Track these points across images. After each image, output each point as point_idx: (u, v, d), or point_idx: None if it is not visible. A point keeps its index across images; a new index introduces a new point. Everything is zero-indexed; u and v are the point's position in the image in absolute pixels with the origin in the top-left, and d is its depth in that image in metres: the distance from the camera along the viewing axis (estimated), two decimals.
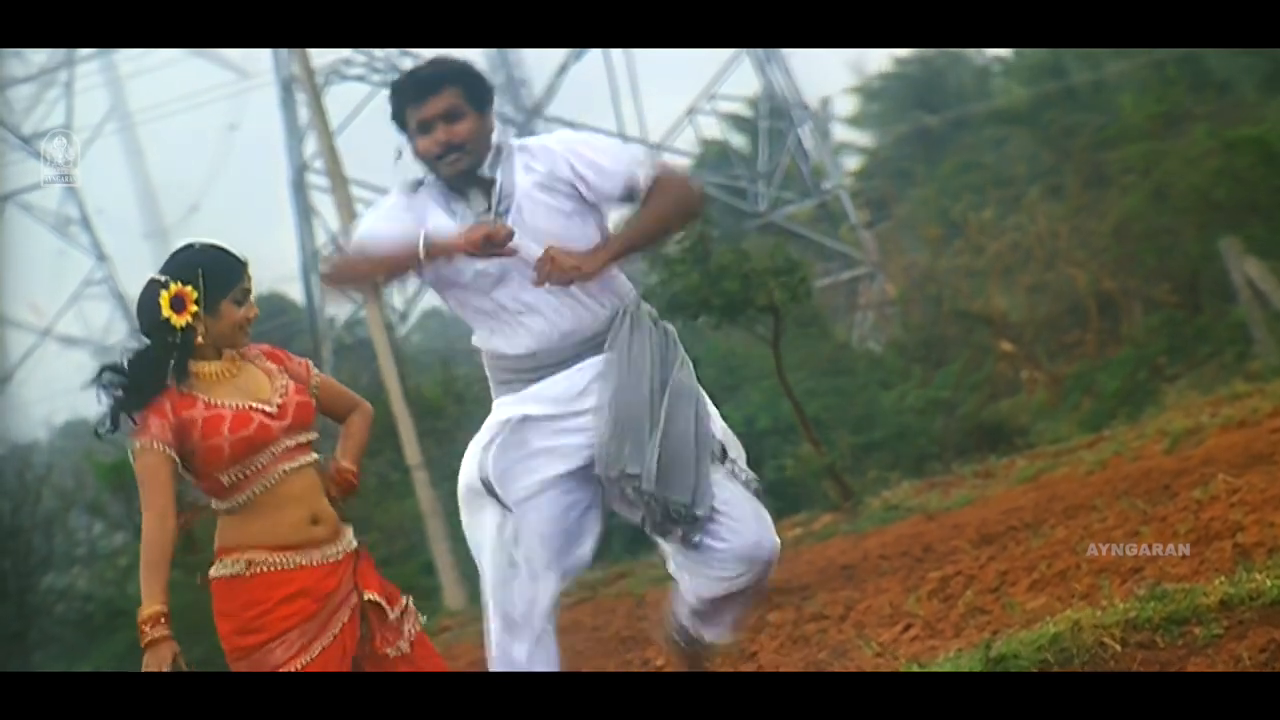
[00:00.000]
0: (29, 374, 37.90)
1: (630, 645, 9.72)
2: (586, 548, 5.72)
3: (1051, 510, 10.25)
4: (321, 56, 29.35)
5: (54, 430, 32.52)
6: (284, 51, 31.47)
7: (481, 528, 5.68)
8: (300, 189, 34.47)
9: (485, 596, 5.72)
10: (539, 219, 5.51)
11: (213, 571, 5.02)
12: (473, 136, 5.53)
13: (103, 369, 5.06)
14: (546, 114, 36.00)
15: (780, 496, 15.51)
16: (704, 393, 5.70)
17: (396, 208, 5.63)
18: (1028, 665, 5.93)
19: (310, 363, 5.37)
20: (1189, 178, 23.20)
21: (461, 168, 5.53)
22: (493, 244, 5.30)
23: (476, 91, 5.59)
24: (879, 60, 43.88)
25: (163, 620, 4.81)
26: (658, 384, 5.54)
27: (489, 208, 5.55)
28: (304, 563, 5.00)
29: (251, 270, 5.14)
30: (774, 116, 36.28)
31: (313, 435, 5.15)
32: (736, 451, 5.70)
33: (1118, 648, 5.89)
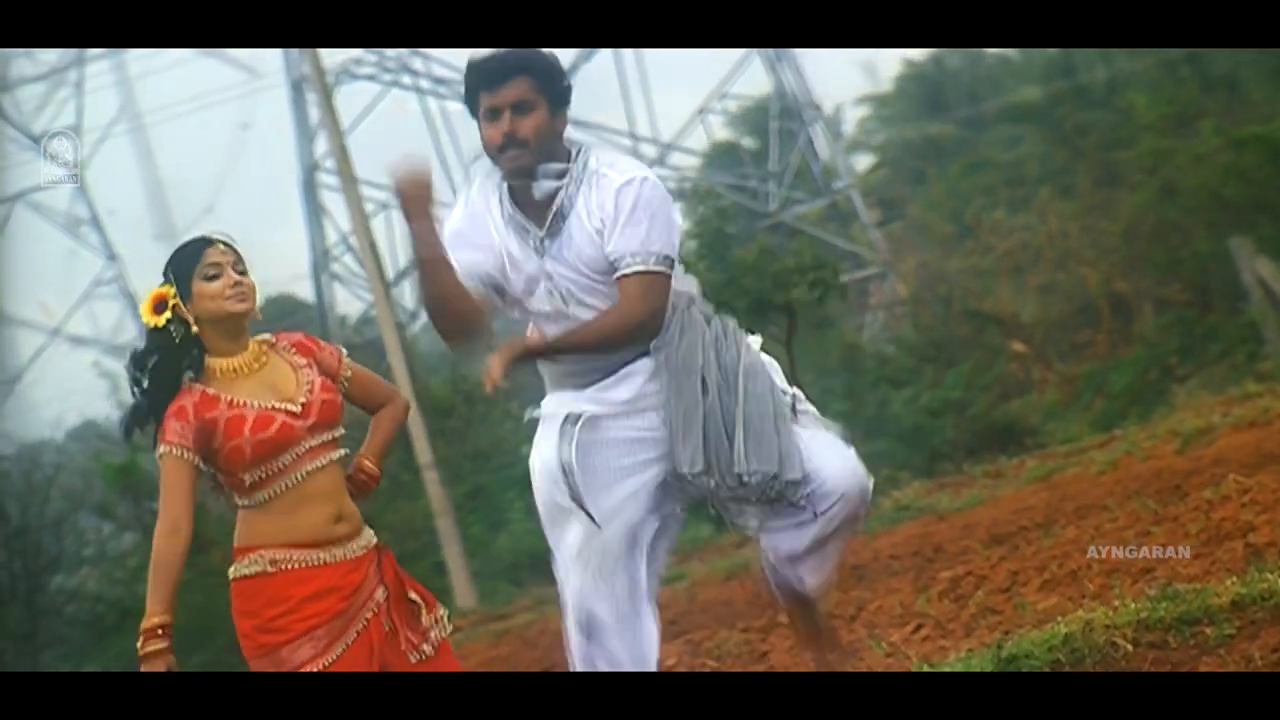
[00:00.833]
0: (39, 374, 37.93)
1: None
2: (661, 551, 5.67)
3: (1062, 510, 10.23)
4: (332, 56, 29.37)
5: (63, 431, 32.54)
6: (295, 51, 31.49)
7: (564, 540, 5.60)
8: (311, 189, 34.54)
9: (567, 611, 5.62)
10: (586, 247, 5.43)
11: (233, 571, 4.99)
12: (537, 133, 5.36)
13: (132, 381, 5.07)
14: None
15: None
16: (767, 359, 5.64)
17: (460, 235, 5.55)
18: (1039, 665, 5.92)
19: (343, 352, 5.28)
20: (1198, 177, 23.18)
21: (521, 164, 5.38)
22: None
23: (552, 86, 5.44)
24: (890, 62, 43.88)
25: (162, 632, 4.79)
26: (714, 379, 5.47)
27: (543, 224, 5.47)
28: (327, 560, 4.97)
29: (231, 244, 5.10)
30: (785, 116, 36.27)
31: (339, 432, 5.11)
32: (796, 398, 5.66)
33: (1129, 648, 5.88)
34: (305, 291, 36.61)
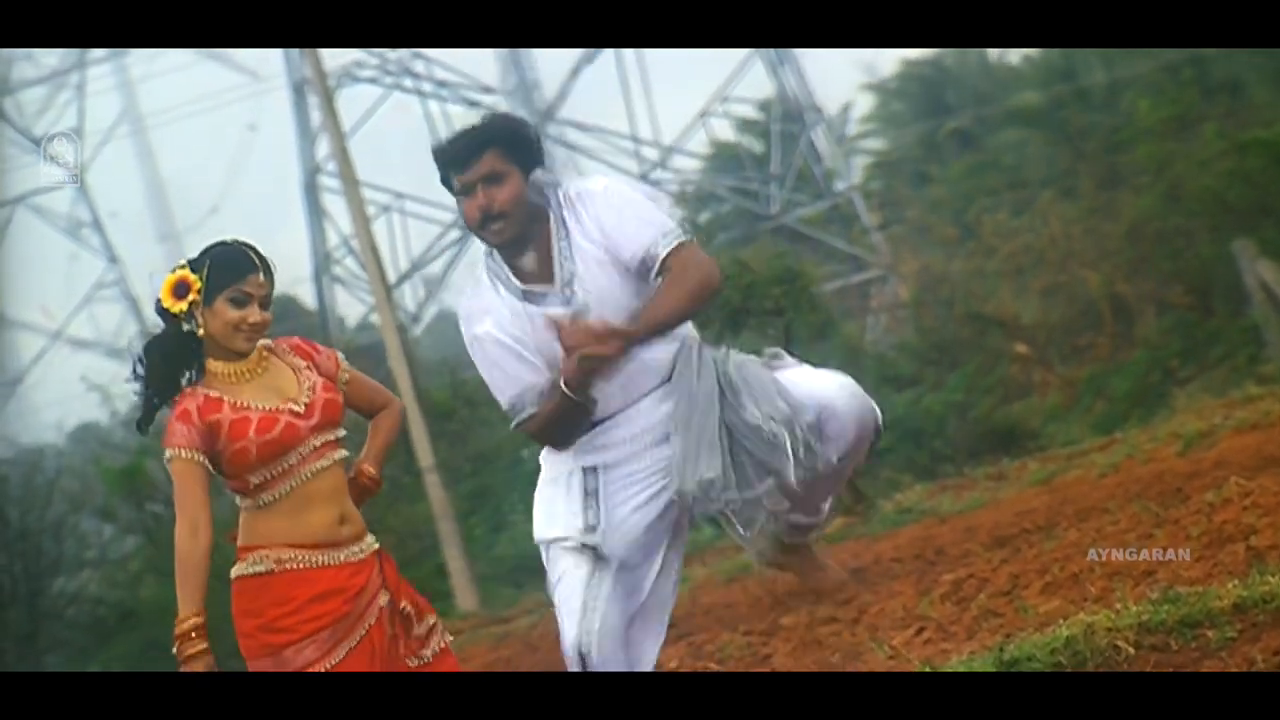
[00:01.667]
0: (40, 377, 37.93)
1: None
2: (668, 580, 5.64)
3: (1064, 513, 10.20)
4: (334, 59, 29.37)
5: (64, 434, 32.53)
6: (296, 54, 31.49)
7: (569, 580, 5.53)
8: (312, 191, 34.53)
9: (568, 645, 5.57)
10: (599, 279, 5.38)
11: (236, 570, 5.00)
12: (514, 202, 5.34)
13: (135, 362, 5.06)
14: (559, 116, 35.98)
15: None
16: (757, 368, 5.61)
17: (483, 343, 5.52)
18: (1041, 668, 5.91)
19: (340, 355, 5.30)
20: (1201, 180, 23.17)
21: (506, 237, 5.36)
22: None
23: (520, 150, 5.41)
24: (891, 64, 43.84)
25: (198, 634, 4.81)
26: (727, 408, 5.42)
27: (552, 277, 5.42)
28: (331, 561, 4.98)
29: (270, 275, 5.09)
30: (786, 119, 36.26)
31: (340, 432, 5.12)
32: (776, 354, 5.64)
33: (1131, 651, 5.88)
34: (306, 294, 36.64)
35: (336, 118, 22.79)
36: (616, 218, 5.40)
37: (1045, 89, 35.77)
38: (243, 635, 4.97)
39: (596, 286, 5.35)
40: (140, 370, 5.04)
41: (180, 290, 5.02)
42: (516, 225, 5.34)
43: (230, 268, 5.04)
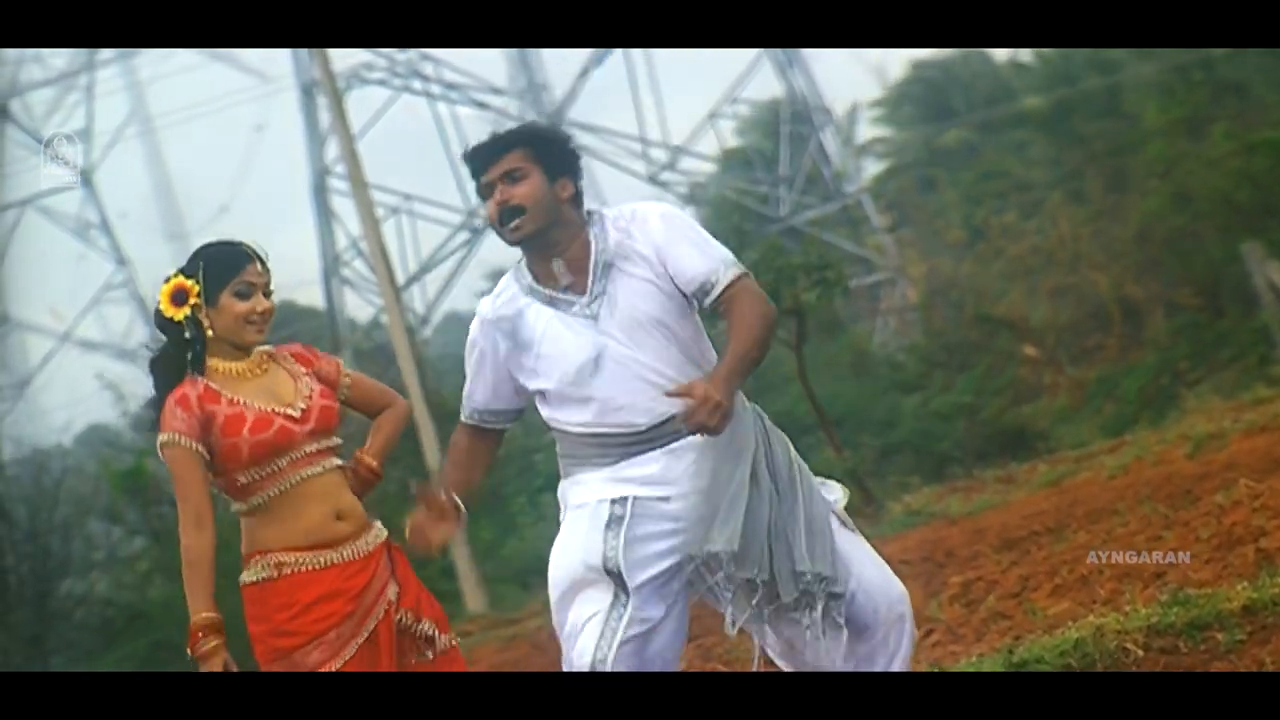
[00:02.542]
0: (48, 379, 37.96)
1: None
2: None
3: (1073, 515, 10.21)
4: (342, 60, 29.42)
5: (72, 435, 32.57)
6: (305, 55, 31.49)
7: (583, 611, 5.40)
8: (321, 193, 34.53)
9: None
10: (633, 298, 5.32)
11: (243, 578, 5.01)
12: (532, 198, 5.26)
13: (150, 365, 5.08)
14: (568, 118, 35.97)
15: None
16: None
17: (475, 356, 5.50)
18: (1050, 670, 5.92)
19: (341, 362, 5.33)
20: (1210, 181, 23.15)
21: (524, 232, 5.27)
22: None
23: (547, 154, 5.34)
24: (900, 66, 43.86)
25: (213, 628, 4.81)
26: (764, 472, 5.30)
27: (585, 288, 5.36)
28: (334, 559, 4.98)
29: (267, 264, 5.11)
30: (795, 120, 36.23)
31: (335, 441, 5.12)
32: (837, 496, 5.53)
33: (1140, 653, 5.88)
34: (315, 296, 36.63)
35: (345, 119, 22.83)
36: (679, 239, 5.33)
37: (1053, 91, 35.75)
38: (255, 641, 4.98)
39: (629, 305, 5.28)
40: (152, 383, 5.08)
41: (179, 297, 5.02)
42: (535, 223, 5.28)
43: (227, 263, 5.05)
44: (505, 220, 5.30)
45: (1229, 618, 5.97)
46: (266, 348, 5.15)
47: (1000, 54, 41.24)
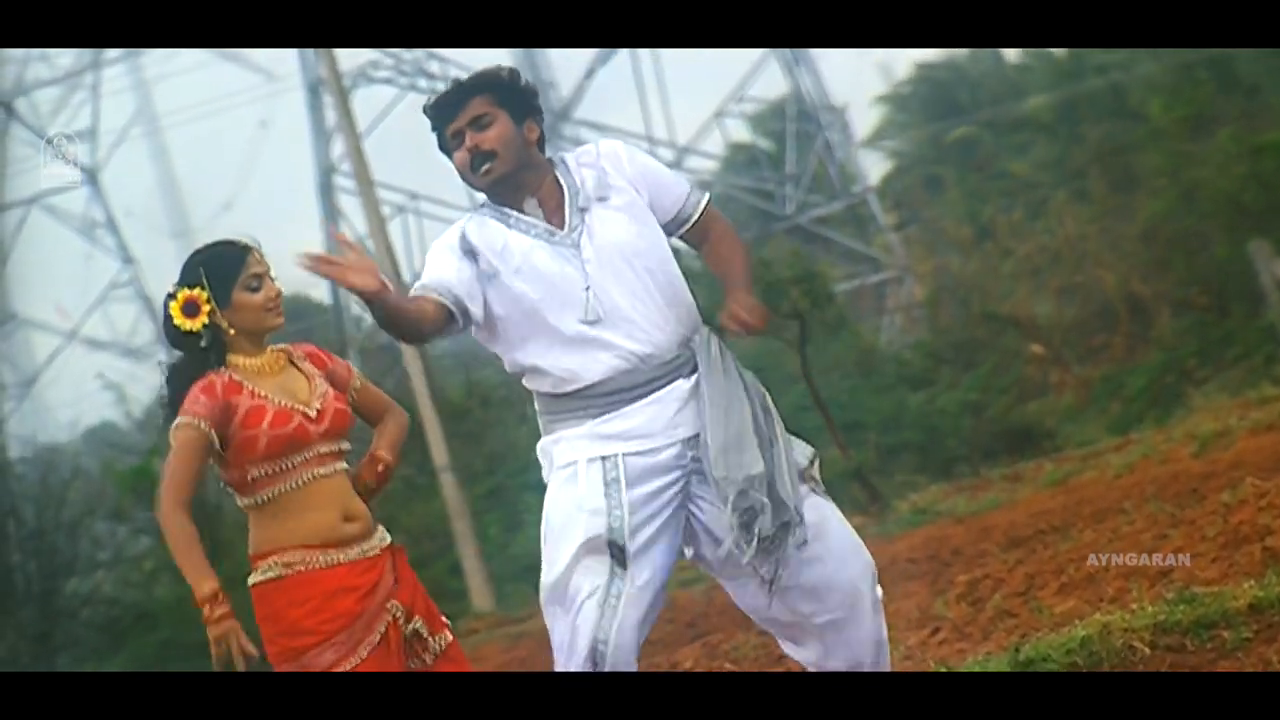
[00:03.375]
0: (54, 377, 37.95)
1: (659, 649, 9.70)
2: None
3: (1080, 513, 10.21)
4: (349, 59, 29.38)
5: (79, 434, 32.55)
6: (311, 54, 31.48)
7: (581, 585, 5.36)
8: (327, 192, 34.51)
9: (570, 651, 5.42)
10: (613, 227, 5.35)
11: (252, 579, 5.01)
12: (502, 141, 5.31)
13: (166, 381, 5.08)
14: (574, 116, 35.97)
15: None
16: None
17: (445, 246, 5.45)
18: (1056, 668, 5.92)
19: (352, 366, 5.35)
20: (1217, 181, 23.15)
21: (497, 174, 5.31)
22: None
23: (510, 96, 5.39)
24: (906, 65, 43.81)
25: (220, 597, 4.82)
26: (757, 401, 5.33)
27: (562, 220, 5.38)
28: (341, 559, 4.99)
29: (262, 250, 5.13)
30: (802, 119, 36.21)
31: (345, 445, 5.14)
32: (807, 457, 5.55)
33: (1147, 651, 5.88)
34: (321, 294, 36.62)
35: (351, 118, 22.82)
36: (654, 169, 5.46)
37: (1060, 90, 35.72)
38: (266, 642, 4.98)
39: (608, 232, 5.33)
40: (167, 395, 5.08)
41: (190, 309, 5.03)
42: (506, 166, 5.31)
43: (229, 262, 5.08)
44: (476, 166, 5.34)
45: (1235, 616, 5.97)
46: (283, 346, 5.17)
47: (1010, 53, 41.19)
